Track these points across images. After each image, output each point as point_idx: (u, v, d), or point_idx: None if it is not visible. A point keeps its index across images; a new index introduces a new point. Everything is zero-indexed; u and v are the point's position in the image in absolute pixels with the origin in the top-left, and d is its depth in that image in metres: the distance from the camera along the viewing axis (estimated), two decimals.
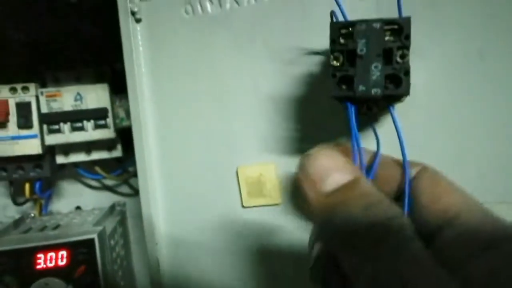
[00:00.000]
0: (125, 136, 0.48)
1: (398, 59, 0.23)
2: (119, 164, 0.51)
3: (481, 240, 0.15)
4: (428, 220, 0.18)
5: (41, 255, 0.38)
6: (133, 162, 0.51)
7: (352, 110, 0.24)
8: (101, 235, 0.40)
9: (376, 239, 0.15)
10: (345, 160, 0.19)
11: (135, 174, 0.51)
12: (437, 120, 0.29)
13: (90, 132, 0.45)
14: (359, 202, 0.17)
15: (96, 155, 0.48)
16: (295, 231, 0.33)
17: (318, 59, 0.31)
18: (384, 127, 0.30)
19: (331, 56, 0.25)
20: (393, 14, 0.28)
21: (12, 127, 0.44)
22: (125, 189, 0.55)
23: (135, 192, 0.54)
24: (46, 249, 0.38)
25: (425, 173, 0.20)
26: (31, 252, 0.38)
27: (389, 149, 0.27)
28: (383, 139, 0.29)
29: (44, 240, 0.39)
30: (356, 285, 0.16)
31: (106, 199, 0.54)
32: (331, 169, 0.19)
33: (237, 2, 0.32)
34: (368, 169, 0.23)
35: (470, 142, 0.29)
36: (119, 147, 0.48)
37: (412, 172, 0.21)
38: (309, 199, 0.19)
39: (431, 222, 0.18)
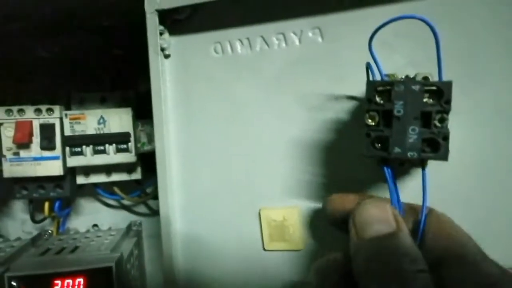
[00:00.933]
0: (145, 159, 0.47)
1: (437, 123, 0.23)
2: (138, 185, 0.51)
3: (484, 279, 0.18)
4: (433, 250, 0.21)
5: (58, 282, 0.38)
6: (151, 184, 0.51)
7: (389, 173, 0.24)
8: (118, 262, 0.40)
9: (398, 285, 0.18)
10: (392, 213, 0.21)
11: (153, 196, 0.51)
12: (470, 176, 0.28)
13: (111, 156, 0.45)
14: (392, 252, 0.19)
15: (116, 177, 0.48)
16: None
17: (346, 106, 0.30)
18: (415, 179, 0.29)
19: (366, 115, 0.24)
20: (424, 66, 0.28)
21: (35, 148, 0.44)
22: (141, 208, 0.55)
23: (152, 212, 0.54)
24: (63, 276, 0.38)
25: (432, 212, 0.23)
26: (49, 278, 0.38)
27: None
28: (412, 193, 0.29)
29: (61, 266, 0.39)
30: None
31: (122, 217, 0.54)
32: (376, 219, 0.21)
33: (267, 44, 0.31)
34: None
35: (504, 198, 0.28)
36: (139, 170, 0.48)
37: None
38: (352, 242, 0.21)
39: (435, 253, 0.21)
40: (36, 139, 0.44)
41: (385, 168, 0.24)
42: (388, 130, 0.23)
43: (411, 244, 0.20)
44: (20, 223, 0.53)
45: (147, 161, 0.48)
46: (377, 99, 0.24)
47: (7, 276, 0.37)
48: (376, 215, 0.21)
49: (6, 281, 0.37)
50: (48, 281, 0.38)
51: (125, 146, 0.45)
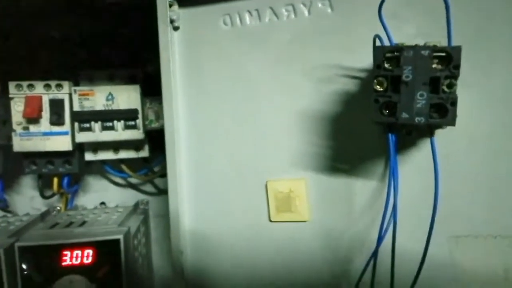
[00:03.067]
0: (153, 137, 0.48)
1: (445, 89, 0.23)
2: (145, 163, 0.51)
3: None
4: None
5: (67, 252, 0.39)
6: (159, 162, 0.51)
7: (392, 141, 0.24)
8: (126, 236, 0.40)
9: None
10: None
11: (160, 175, 0.51)
12: (479, 148, 0.28)
13: (119, 132, 0.45)
14: None
15: (123, 154, 0.49)
16: (320, 250, 0.32)
17: (355, 77, 0.30)
18: (422, 151, 0.29)
19: (375, 81, 0.24)
20: (434, 37, 0.28)
21: (45, 123, 0.45)
22: (149, 187, 0.55)
23: (159, 191, 0.55)
24: (72, 246, 0.39)
25: None
26: (58, 249, 0.39)
27: (427, 175, 0.26)
28: (420, 163, 0.29)
29: (70, 238, 0.40)
30: None
31: (130, 196, 0.55)
32: None
33: (276, 16, 0.31)
34: None
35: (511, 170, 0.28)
36: (146, 147, 0.49)
37: None
38: None
39: None
40: (46, 114, 0.44)
41: (390, 135, 0.25)
42: (396, 95, 0.24)
43: None
44: (29, 200, 0.53)
45: (155, 140, 0.48)
46: (386, 65, 0.24)
47: (17, 246, 0.38)
48: None
49: (16, 251, 0.38)
50: (57, 252, 0.39)
51: (133, 122, 0.45)
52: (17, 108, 0.44)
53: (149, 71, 0.48)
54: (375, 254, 0.28)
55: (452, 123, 0.23)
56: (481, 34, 0.28)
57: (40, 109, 0.44)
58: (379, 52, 0.24)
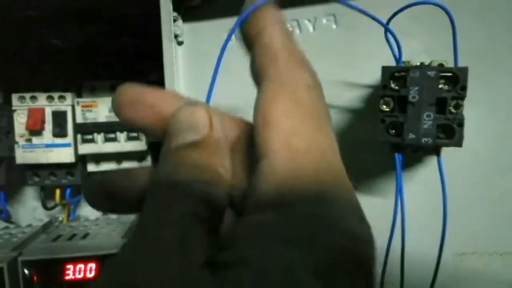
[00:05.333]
0: (156, 149, 0.48)
1: (452, 110, 0.23)
2: None
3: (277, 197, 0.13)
4: (256, 145, 0.15)
5: (70, 266, 0.39)
6: None
7: (399, 160, 0.24)
8: None
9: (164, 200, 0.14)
10: (206, 117, 0.16)
11: None
12: (484, 164, 0.28)
13: (122, 144, 0.45)
14: (188, 165, 0.15)
15: (126, 165, 0.49)
16: None
17: (360, 93, 0.30)
18: (428, 168, 0.29)
19: (381, 101, 0.24)
20: (440, 54, 0.28)
21: (47, 135, 0.45)
22: None
23: None
24: (75, 260, 0.39)
25: (274, 81, 0.16)
26: (61, 263, 0.39)
27: (432, 193, 0.26)
28: (426, 180, 0.29)
29: (73, 251, 0.39)
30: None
31: None
32: (186, 128, 0.15)
33: None
34: None
35: None
36: (149, 159, 0.49)
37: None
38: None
39: (257, 151, 0.15)
40: (48, 126, 0.44)
41: (397, 155, 0.25)
42: (403, 116, 0.23)
43: (214, 160, 0.15)
44: (31, 210, 0.53)
45: (158, 151, 0.48)
46: (392, 85, 0.24)
47: (20, 260, 0.38)
48: (186, 122, 0.15)
49: (19, 265, 0.38)
50: (61, 266, 0.39)
51: (135, 134, 0.45)
52: (20, 120, 0.44)
53: (152, 81, 0.48)
54: (382, 273, 0.27)
55: (459, 144, 0.23)
56: (487, 49, 0.28)
57: (43, 121, 0.44)
58: (385, 72, 0.24)
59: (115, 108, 0.17)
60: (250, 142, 0.16)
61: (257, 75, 0.16)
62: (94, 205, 0.18)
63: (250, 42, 0.17)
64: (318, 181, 0.13)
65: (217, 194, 0.14)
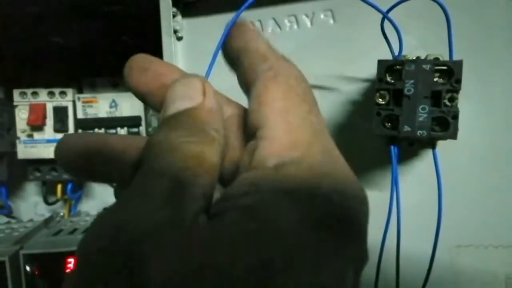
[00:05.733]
0: None
1: (447, 102, 0.23)
2: None
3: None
4: (251, 121, 0.16)
5: (71, 260, 0.39)
6: None
7: (395, 153, 0.24)
8: None
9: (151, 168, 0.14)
10: (201, 88, 0.16)
11: None
12: (480, 157, 0.29)
13: None
14: (178, 133, 0.15)
15: None
16: None
17: (357, 88, 0.30)
18: (424, 161, 0.29)
19: (377, 94, 0.24)
20: (435, 49, 0.28)
21: (49, 131, 0.45)
22: None
23: None
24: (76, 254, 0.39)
25: (268, 72, 0.16)
26: (62, 257, 0.39)
27: (428, 186, 0.26)
28: (421, 173, 0.29)
29: (75, 245, 0.40)
30: None
31: None
32: (181, 95, 0.16)
33: (279, 26, 0.32)
34: None
35: None
36: None
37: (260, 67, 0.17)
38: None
39: (250, 128, 0.16)
40: (50, 121, 0.45)
41: (392, 148, 0.25)
42: (398, 109, 0.24)
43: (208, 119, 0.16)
44: (32, 205, 0.54)
45: None
46: (388, 78, 0.24)
47: (22, 253, 0.38)
48: (182, 91, 0.16)
49: (21, 259, 0.38)
50: (62, 260, 0.39)
51: (136, 130, 0.46)
52: (22, 116, 0.45)
53: None
54: (378, 265, 0.28)
55: (454, 136, 0.23)
56: (482, 44, 0.28)
57: (44, 117, 0.45)
58: (381, 65, 0.24)
59: (125, 72, 0.18)
60: (244, 121, 0.17)
61: (249, 76, 0.17)
62: (70, 170, 0.18)
63: (237, 54, 0.18)
64: (311, 153, 0.14)
65: (209, 152, 0.15)
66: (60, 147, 0.18)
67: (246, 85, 0.17)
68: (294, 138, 0.14)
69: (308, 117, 0.15)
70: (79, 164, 0.17)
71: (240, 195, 0.13)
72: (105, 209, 0.54)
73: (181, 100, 0.16)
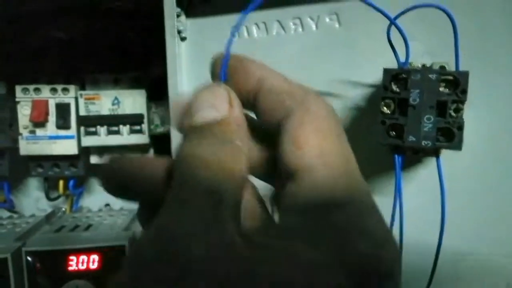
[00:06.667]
0: (158, 142, 0.48)
1: (452, 113, 0.23)
2: None
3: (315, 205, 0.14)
4: (284, 162, 0.16)
5: (73, 257, 0.40)
6: None
7: (399, 162, 0.24)
8: (132, 241, 0.41)
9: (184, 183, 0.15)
10: (226, 96, 0.17)
11: None
12: (482, 166, 0.29)
13: (125, 137, 0.46)
14: (208, 143, 0.16)
15: None
16: None
17: (361, 93, 0.30)
18: (427, 168, 0.29)
19: (382, 103, 0.24)
20: (442, 55, 0.28)
21: (51, 127, 0.45)
22: None
23: None
24: (78, 252, 0.39)
25: (298, 112, 0.17)
26: (65, 254, 0.39)
27: (431, 193, 0.26)
28: (424, 180, 0.29)
29: (76, 243, 0.40)
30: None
31: None
32: (208, 105, 0.17)
33: (283, 29, 0.31)
34: None
35: None
36: (151, 151, 0.49)
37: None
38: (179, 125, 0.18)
39: (286, 168, 0.16)
40: (52, 118, 0.45)
41: (396, 157, 0.25)
42: (403, 118, 0.24)
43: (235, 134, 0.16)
44: (34, 201, 0.54)
45: (160, 144, 0.48)
46: (393, 87, 0.24)
47: (24, 250, 0.39)
48: (208, 100, 0.17)
49: (23, 255, 0.39)
50: (64, 257, 0.39)
51: (138, 127, 0.45)
52: (24, 112, 0.44)
53: (155, 75, 0.49)
54: None
55: (459, 147, 0.23)
56: (486, 50, 0.28)
57: (47, 113, 0.44)
58: (386, 74, 0.24)
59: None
60: (255, 131, 0.18)
61: (273, 115, 0.17)
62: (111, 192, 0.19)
63: (252, 94, 0.18)
64: (349, 194, 0.15)
65: (239, 164, 0.15)
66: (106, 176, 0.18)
67: (271, 123, 0.17)
68: (333, 181, 0.15)
69: (343, 153, 0.16)
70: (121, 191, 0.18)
71: (275, 237, 0.14)
72: (107, 205, 0.55)
73: (208, 109, 0.16)
